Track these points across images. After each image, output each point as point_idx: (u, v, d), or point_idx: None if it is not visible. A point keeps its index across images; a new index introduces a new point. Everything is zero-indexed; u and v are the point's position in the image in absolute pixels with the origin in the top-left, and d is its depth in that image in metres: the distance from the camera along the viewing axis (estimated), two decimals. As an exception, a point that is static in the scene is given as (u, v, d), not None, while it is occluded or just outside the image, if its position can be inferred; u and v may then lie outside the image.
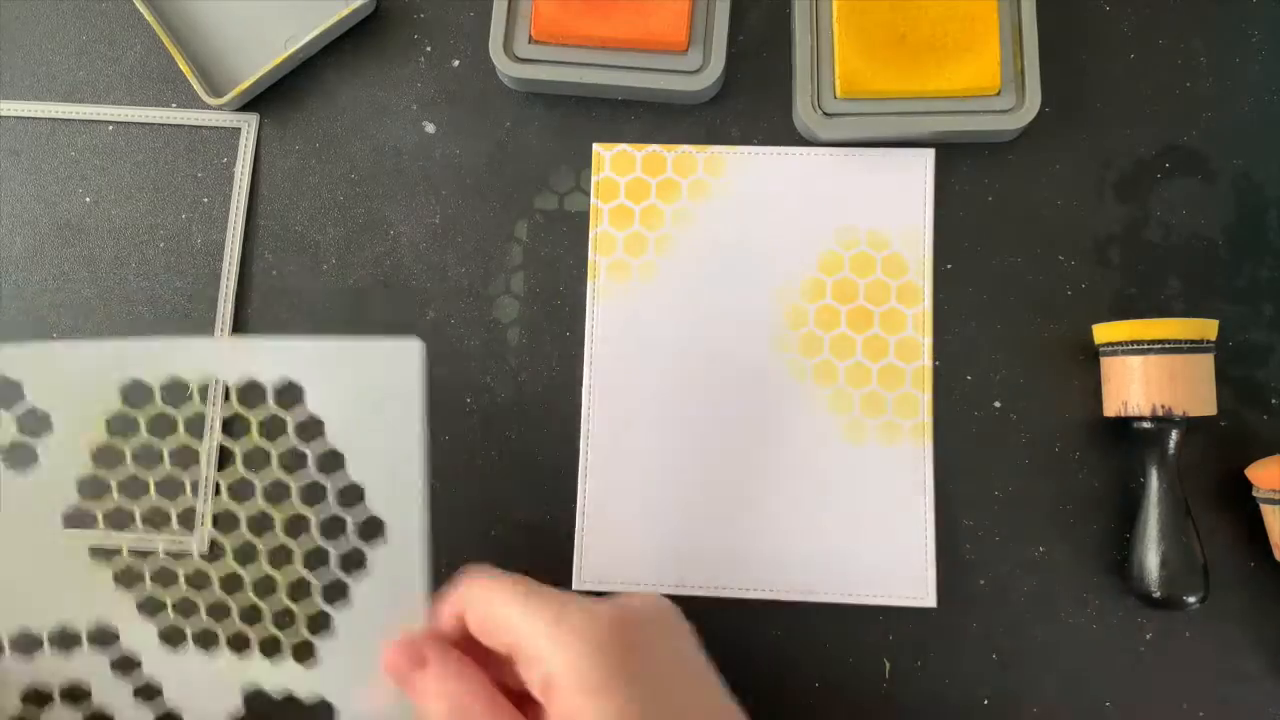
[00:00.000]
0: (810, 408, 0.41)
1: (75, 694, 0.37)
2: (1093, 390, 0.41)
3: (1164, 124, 0.43)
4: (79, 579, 0.37)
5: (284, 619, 0.37)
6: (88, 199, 0.45)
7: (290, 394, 0.34)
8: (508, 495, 0.42)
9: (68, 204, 0.45)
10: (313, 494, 0.36)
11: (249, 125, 0.45)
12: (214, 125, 0.45)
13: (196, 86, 0.43)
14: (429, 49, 0.45)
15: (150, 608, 0.37)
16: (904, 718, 0.39)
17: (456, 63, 0.45)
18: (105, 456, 0.36)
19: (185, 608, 0.38)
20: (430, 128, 0.44)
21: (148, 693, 0.37)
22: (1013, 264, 0.42)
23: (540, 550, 0.41)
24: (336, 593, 0.35)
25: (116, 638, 0.37)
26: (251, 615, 0.38)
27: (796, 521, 0.40)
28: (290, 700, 0.36)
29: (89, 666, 0.38)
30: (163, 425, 0.37)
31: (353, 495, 0.34)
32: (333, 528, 0.35)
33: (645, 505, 0.41)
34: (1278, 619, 0.39)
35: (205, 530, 0.41)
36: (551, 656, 0.30)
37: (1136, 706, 0.39)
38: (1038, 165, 0.43)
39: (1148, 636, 0.39)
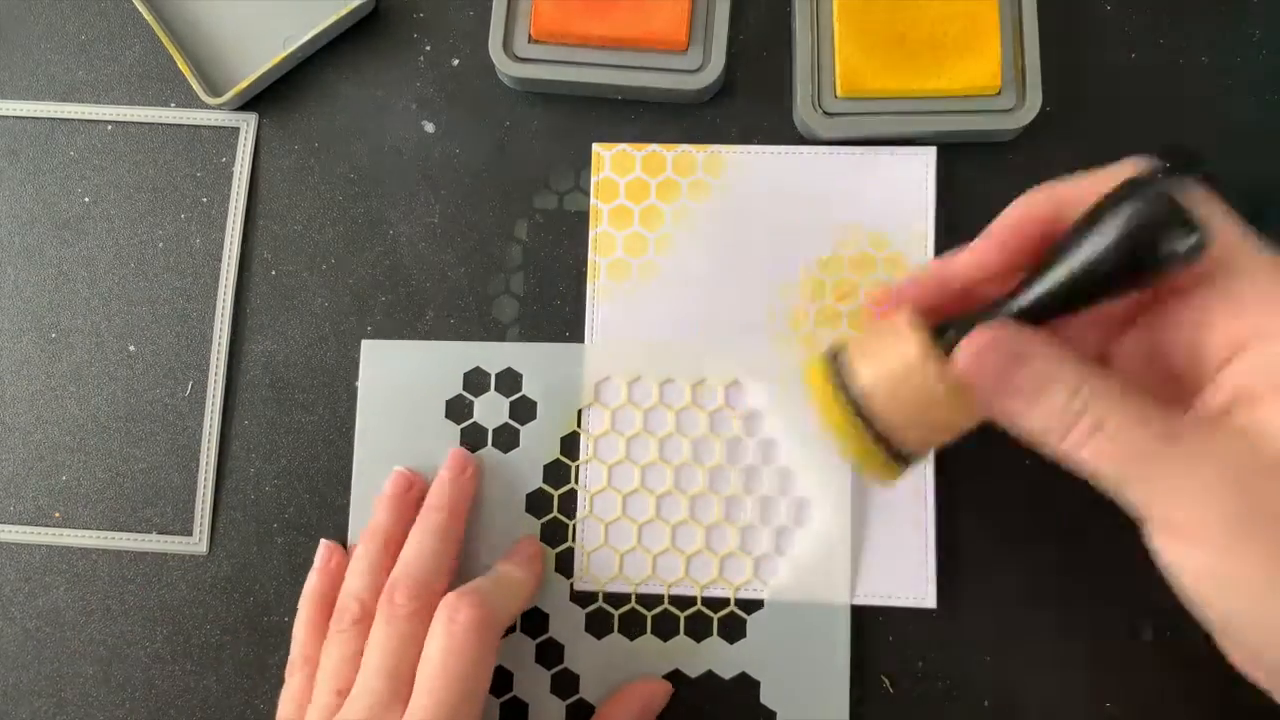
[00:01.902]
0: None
1: (495, 684, 0.36)
2: (1093, 390, 0.41)
3: (1164, 124, 0.43)
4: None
5: (716, 601, 0.40)
6: (87, 199, 0.45)
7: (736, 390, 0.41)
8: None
9: (67, 204, 0.44)
10: (751, 478, 0.41)
11: (248, 125, 0.45)
12: (213, 125, 0.45)
13: (195, 86, 0.43)
14: (428, 49, 0.45)
15: (581, 598, 0.40)
16: (903, 718, 0.39)
17: (456, 62, 0.45)
18: (570, 445, 0.41)
19: (613, 598, 0.40)
20: (430, 127, 0.44)
21: (564, 682, 0.39)
22: (1013, 264, 0.42)
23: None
24: (767, 570, 0.40)
25: (546, 623, 0.40)
26: (682, 597, 0.40)
27: (796, 521, 0.40)
28: (707, 678, 0.39)
29: (516, 652, 0.39)
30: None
31: (785, 480, 0.40)
32: (765, 510, 0.40)
33: (643, 503, 0.41)
34: (1277, 619, 0.39)
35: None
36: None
37: (1136, 706, 0.39)
38: (1038, 165, 0.43)
39: (1147, 637, 0.39)
